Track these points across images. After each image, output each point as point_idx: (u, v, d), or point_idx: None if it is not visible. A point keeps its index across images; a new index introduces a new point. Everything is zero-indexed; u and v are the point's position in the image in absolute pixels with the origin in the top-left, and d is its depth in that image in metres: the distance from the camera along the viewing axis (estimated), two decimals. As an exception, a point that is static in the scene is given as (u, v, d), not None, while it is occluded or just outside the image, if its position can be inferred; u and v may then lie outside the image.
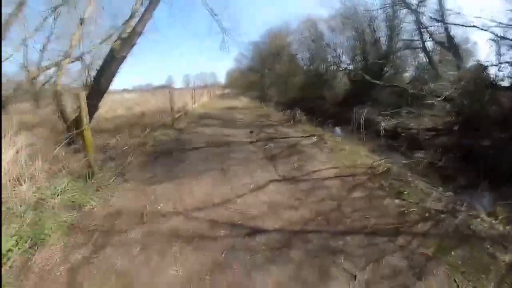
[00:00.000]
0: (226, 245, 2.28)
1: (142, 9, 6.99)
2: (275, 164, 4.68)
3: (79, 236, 2.44)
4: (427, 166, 7.67)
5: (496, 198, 4.89)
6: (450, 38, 11.42)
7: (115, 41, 7.02)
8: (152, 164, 4.80)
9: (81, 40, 9.20)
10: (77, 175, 3.79)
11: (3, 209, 2.61)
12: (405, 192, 3.43)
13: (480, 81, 9.22)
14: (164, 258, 2.11)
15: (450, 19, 11.59)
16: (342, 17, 19.92)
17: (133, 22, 6.91)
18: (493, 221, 2.90)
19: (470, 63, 10.79)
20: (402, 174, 4.22)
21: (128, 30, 6.81)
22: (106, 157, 4.93)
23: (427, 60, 13.29)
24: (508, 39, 8.53)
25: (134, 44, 6.20)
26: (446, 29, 11.23)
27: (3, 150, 3.49)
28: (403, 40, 15.58)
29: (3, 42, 7.67)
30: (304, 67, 27.05)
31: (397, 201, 3.21)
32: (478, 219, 2.89)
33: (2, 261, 2.02)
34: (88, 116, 3.96)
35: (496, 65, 9.09)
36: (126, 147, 5.65)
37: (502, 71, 9.13)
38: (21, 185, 3.15)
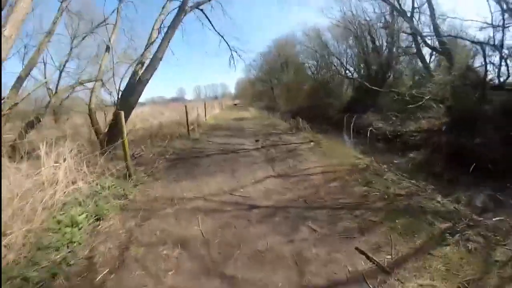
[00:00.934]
0: (231, 215, 3.31)
1: (159, 36, 8.27)
2: (273, 165, 5.69)
3: (129, 213, 3.50)
4: (418, 164, 8.50)
5: (476, 190, 5.73)
6: (442, 43, 12.22)
7: (136, 64, 8.25)
8: (174, 167, 5.88)
9: (107, 64, 10.55)
10: (117, 176, 4.89)
11: (67, 199, 3.68)
12: (373, 182, 4.36)
13: (468, 82, 9.97)
14: (190, 223, 3.14)
15: (443, 24, 12.51)
16: (343, 26, 20.84)
17: (151, 49, 8.15)
18: (448, 202, 3.76)
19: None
20: (378, 170, 5.14)
21: (148, 56, 8.04)
22: (135, 163, 6.05)
23: (423, 65, 14.07)
24: (490, 44, 9.29)
25: (156, 69, 7.39)
26: (437, 35, 12.03)
27: (61, 158, 4.59)
28: (399, 47, 16.38)
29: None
30: (311, 76, 28.00)
31: (365, 188, 4.15)
32: (433, 201, 3.76)
33: (77, 226, 3.07)
34: (125, 129, 5.05)
35: (483, 66, 9.82)
36: (151, 155, 6.79)
37: (489, 72, 9.87)
38: (76, 183, 4.24)
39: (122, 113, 4.92)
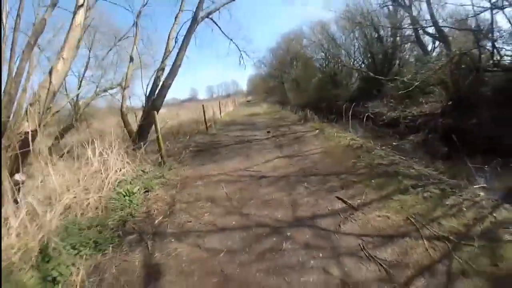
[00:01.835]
0: (246, 183, 4.40)
1: (175, 45, 9.42)
2: (281, 149, 6.72)
3: (169, 187, 4.64)
4: (416, 145, 9.30)
5: (460, 163, 6.50)
6: (440, 31, 12.81)
7: (158, 71, 9.43)
8: (198, 156, 7.01)
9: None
10: (153, 164, 6.05)
11: (120, 179, 4.83)
12: (362, 157, 5.31)
13: (464, 66, 10.56)
14: (216, 189, 4.25)
15: (443, 10, 13.09)
16: (348, 18, 21.40)
17: (169, 56, 9.31)
18: (423, 169, 4.66)
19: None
20: (369, 148, 6.05)
21: (167, 63, 9.21)
22: (165, 154, 7.22)
23: (423, 52, 14.63)
24: (477, 30, 9.87)
25: (176, 74, 8.55)
26: (434, 23, 12.60)
27: (105, 152, 5.76)
28: (399, 35, 16.92)
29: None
30: (320, 68, 28.57)
31: (353, 160, 5.11)
32: (410, 168, 4.66)
33: (133, 195, 4.21)
34: (158, 127, 6.19)
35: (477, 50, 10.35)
36: (177, 149, 7.96)
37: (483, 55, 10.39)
38: (122, 169, 5.40)
39: (156, 113, 6.07)
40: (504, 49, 9.96)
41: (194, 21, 8.92)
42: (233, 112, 24.30)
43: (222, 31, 10.86)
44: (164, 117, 17.41)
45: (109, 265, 2.57)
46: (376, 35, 19.92)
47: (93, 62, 13.51)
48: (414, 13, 14.98)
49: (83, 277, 2.35)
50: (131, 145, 6.96)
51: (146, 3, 10.38)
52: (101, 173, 4.71)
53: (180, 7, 9.67)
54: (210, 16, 9.78)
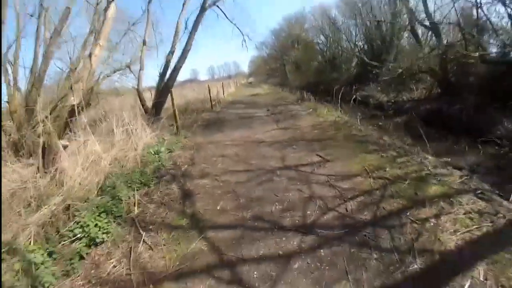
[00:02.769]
0: (249, 145, 5.65)
1: (183, 30, 10.38)
2: (278, 123, 7.92)
3: (186, 149, 5.88)
4: (399, 125, 10.43)
5: (431, 139, 7.64)
6: (431, 22, 13.66)
7: (168, 54, 10.43)
8: (206, 128, 8.22)
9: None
10: (170, 134, 7.25)
11: (148, 143, 6.05)
12: (342, 129, 6.51)
13: (452, 56, 11.54)
14: (225, 149, 5.49)
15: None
16: (349, 4, 22.03)
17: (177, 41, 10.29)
18: (389, 140, 5.85)
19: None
20: (352, 123, 7.23)
21: (176, 47, 10.19)
22: (180, 126, 8.42)
23: (416, 41, 15.51)
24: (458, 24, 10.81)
25: (186, 57, 9.59)
26: (427, 13, 13.44)
27: (133, 124, 6.94)
28: (390, 23, 17.70)
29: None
30: (321, 52, 29.26)
31: (335, 131, 6.31)
32: (379, 139, 5.85)
33: (161, 153, 5.43)
34: (174, 103, 7.34)
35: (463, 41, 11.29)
36: (188, 123, 9.15)
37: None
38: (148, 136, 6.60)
39: (172, 90, 7.21)
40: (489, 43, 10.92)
41: (203, 9, 9.84)
42: (235, 93, 25.32)
43: (227, 17, 11.74)
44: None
45: (155, 192, 3.83)
46: (375, 23, 20.60)
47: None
48: (415, 3, 15.77)
49: (138, 198, 3.58)
50: (146, 119, 8.14)
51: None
52: (131, 138, 5.91)
53: (188, -6, 10.58)
54: (217, 4, 10.67)
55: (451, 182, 3.27)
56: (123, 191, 3.55)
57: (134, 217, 3.02)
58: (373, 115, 13.03)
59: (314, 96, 14.30)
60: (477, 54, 10.93)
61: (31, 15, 7.77)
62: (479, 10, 10.16)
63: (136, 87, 10.15)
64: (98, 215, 2.81)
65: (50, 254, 2.35)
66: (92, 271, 2.28)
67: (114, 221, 2.87)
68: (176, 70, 9.49)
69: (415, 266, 2.04)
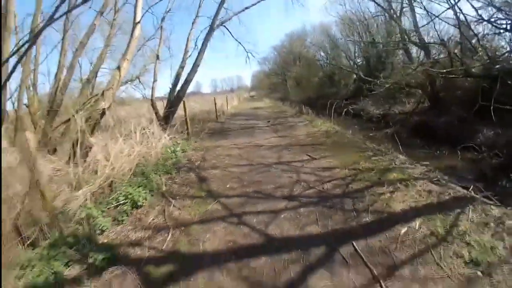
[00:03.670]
0: (250, 149, 6.62)
1: (191, 47, 11.55)
2: (277, 132, 8.91)
3: (198, 150, 6.87)
4: (387, 135, 11.36)
5: (413, 146, 8.58)
6: (422, 40, 14.83)
7: (179, 69, 11.56)
8: (213, 136, 9.23)
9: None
10: (182, 139, 8.24)
11: (165, 144, 7.04)
12: (332, 137, 7.48)
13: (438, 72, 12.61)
14: (231, 151, 6.48)
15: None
16: (347, 23, 23.46)
17: (187, 55, 11.44)
18: (371, 145, 6.80)
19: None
20: (341, 133, 8.20)
21: (187, 62, 11.33)
22: (191, 132, 9.41)
23: (408, 58, 16.68)
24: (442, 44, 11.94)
25: (196, 71, 10.70)
26: (417, 33, 14.63)
27: (150, 128, 7.95)
28: (384, 42, 18.96)
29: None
30: (321, 68, 30.59)
31: (325, 139, 7.28)
32: (364, 144, 6.81)
33: (176, 152, 6.39)
34: (186, 112, 8.36)
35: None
36: (196, 131, 10.16)
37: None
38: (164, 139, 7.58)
39: (184, 101, 8.24)
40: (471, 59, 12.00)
41: (211, 29, 11.01)
42: (238, 106, 26.53)
43: (233, 36, 12.94)
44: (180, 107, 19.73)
45: (176, 177, 4.80)
46: (371, 41, 21.93)
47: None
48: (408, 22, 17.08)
49: (164, 181, 4.53)
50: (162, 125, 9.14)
51: (169, 10, 12.55)
52: (150, 139, 6.89)
53: (197, 13, 11.82)
54: (224, 24, 11.86)
55: (412, 173, 4.21)
56: (152, 175, 4.52)
57: (163, 192, 3.96)
58: (366, 127, 14.04)
59: (312, 110, 15.34)
60: (460, 69, 12.08)
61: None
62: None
63: (145, 96, 11.30)
64: (137, 188, 3.76)
65: (102, 212, 3.28)
66: (137, 222, 3.21)
67: (148, 193, 3.81)
68: (187, 82, 10.58)
69: (367, 219, 2.97)
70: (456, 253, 2.32)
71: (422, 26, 13.98)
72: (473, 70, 11.25)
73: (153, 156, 5.92)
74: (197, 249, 2.59)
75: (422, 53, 18.45)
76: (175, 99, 10.59)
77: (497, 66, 8.88)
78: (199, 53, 10.86)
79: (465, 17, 10.05)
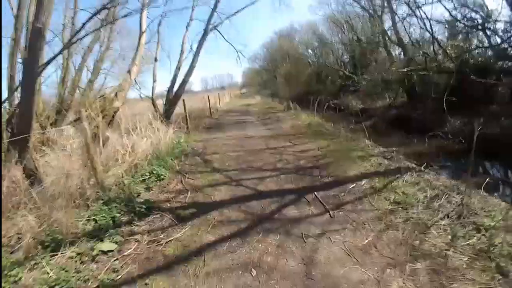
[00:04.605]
0: (243, 139, 7.86)
1: (187, 48, 12.65)
2: (266, 126, 10.15)
3: (198, 141, 8.04)
4: (367, 127, 12.61)
5: (388, 136, 9.90)
6: (400, 40, 16.15)
7: (175, 69, 12.65)
8: (209, 130, 10.42)
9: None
10: (182, 133, 9.38)
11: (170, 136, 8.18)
12: (313, 127, 8.73)
13: (414, 69, 13.97)
14: (226, 141, 7.72)
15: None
16: (333, 22, 24.74)
17: (182, 58, 12.54)
18: (345, 133, 8.08)
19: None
20: (321, 124, 9.46)
21: (182, 64, 12.43)
22: (190, 127, 10.55)
23: (387, 56, 18.03)
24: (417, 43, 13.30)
25: (193, 72, 11.83)
26: (396, 32, 15.92)
27: (158, 128, 9.07)
28: (367, 41, 20.31)
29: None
30: (310, 65, 31.82)
31: (307, 129, 8.53)
32: (339, 132, 8.08)
33: (181, 143, 7.55)
34: (186, 109, 9.50)
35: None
36: (193, 126, 11.31)
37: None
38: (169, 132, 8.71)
39: (184, 100, 9.38)
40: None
41: (205, 33, 12.12)
42: (230, 103, 27.70)
43: (224, 38, 14.05)
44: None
45: (186, 160, 6.00)
46: (356, 39, 23.24)
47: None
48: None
49: (176, 162, 5.68)
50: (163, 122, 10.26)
51: (165, 15, 13.61)
52: (157, 133, 8.02)
53: (191, 17, 12.90)
54: (217, 28, 12.98)
55: (371, 152, 5.47)
56: (166, 158, 5.69)
57: (178, 170, 5.16)
58: (347, 120, 15.34)
59: (300, 105, 16.56)
60: (433, 65, 13.46)
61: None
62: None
63: (141, 96, 12.36)
64: (157, 167, 4.94)
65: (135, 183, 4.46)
66: (163, 188, 4.41)
67: (167, 171, 5.00)
68: (185, 82, 11.72)
69: (327, 179, 4.22)
70: (385, 197, 3.55)
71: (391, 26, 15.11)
72: (442, 67, 12.69)
73: (163, 146, 7.07)
74: (210, 199, 3.83)
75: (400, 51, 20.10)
76: (173, 97, 11.70)
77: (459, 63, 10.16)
78: (194, 55, 11.99)
79: (429, 19, 11.50)
